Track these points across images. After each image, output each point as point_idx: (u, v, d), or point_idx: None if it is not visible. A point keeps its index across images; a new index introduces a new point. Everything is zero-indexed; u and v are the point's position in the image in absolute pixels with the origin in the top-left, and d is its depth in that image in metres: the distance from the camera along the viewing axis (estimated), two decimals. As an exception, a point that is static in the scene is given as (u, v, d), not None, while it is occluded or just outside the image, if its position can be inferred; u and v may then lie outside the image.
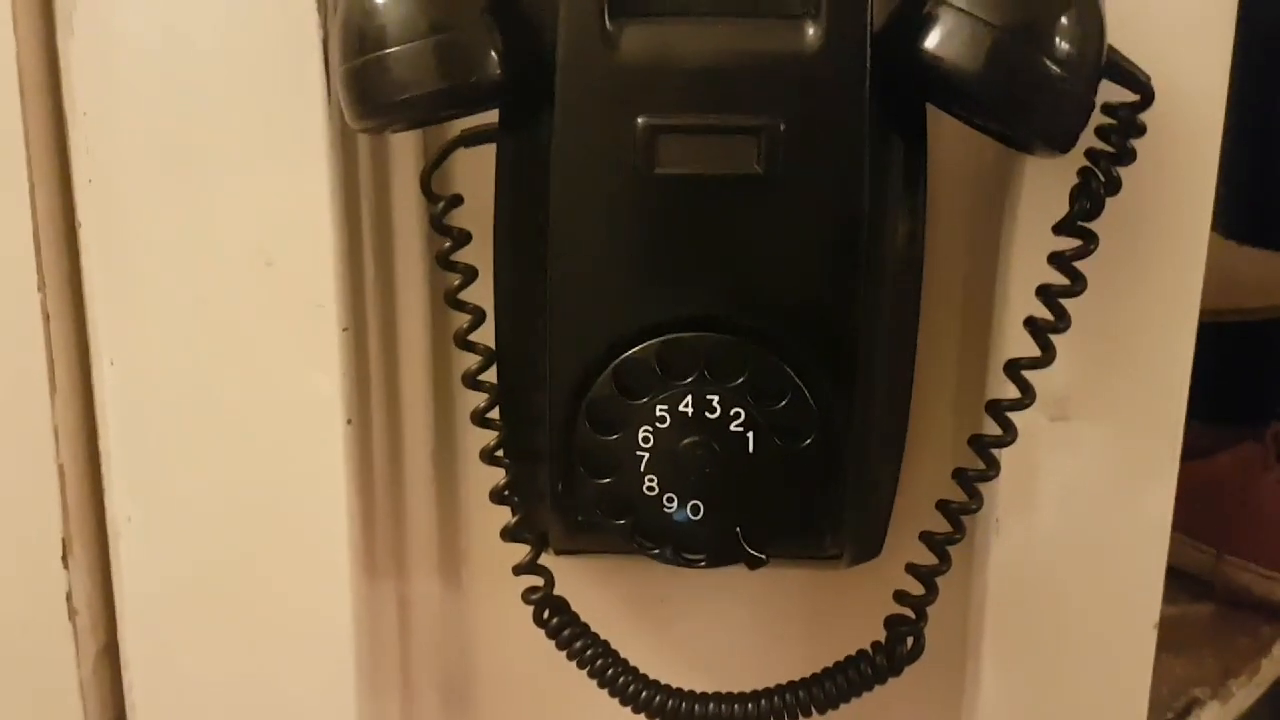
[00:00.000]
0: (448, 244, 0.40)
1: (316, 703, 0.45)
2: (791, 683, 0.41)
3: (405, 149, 0.43)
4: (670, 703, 0.41)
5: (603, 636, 0.42)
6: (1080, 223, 0.38)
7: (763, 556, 0.38)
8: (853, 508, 0.39)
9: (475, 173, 0.41)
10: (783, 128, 0.35)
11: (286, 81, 0.40)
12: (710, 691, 0.41)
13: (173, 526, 0.44)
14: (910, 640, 0.41)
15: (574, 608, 0.42)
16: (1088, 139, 0.37)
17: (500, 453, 0.41)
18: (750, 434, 0.37)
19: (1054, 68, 0.35)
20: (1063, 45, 0.35)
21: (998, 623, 0.43)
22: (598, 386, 0.37)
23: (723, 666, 0.47)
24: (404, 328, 0.45)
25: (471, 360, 0.41)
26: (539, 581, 0.42)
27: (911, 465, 0.43)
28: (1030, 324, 0.39)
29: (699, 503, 0.38)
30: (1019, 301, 0.40)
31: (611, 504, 0.38)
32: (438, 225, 0.40)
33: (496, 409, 0.41)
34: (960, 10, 0.34)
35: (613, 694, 0.41)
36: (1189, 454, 0.42)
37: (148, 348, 0.42)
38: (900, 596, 0.41)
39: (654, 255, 0.37)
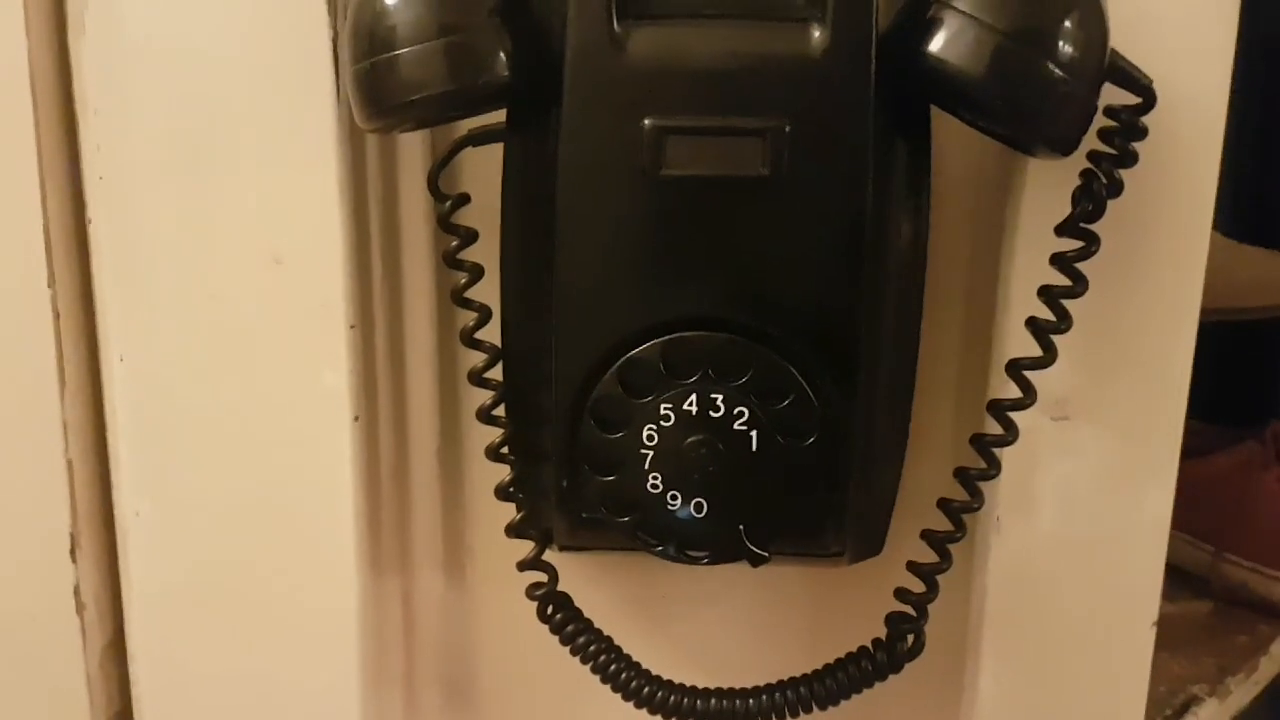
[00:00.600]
0: (455, 242, 0.41)
1: (321, 696, 0.45)
2: (793, 679, 0.41)
3: (413, 148, 0.43)
4: (672, 698, 0.41)
5: (606, 632, 0.42)
6: (1082, 224, 0.38)
7: (765, 554, 0.38)
8: (854, 506, 0.40)
9: (482, 172, 0.41)
10: (788, 130, 0.36)
11: (296, 81, 0.40)
12: (712, 687, 0.41)
13: (180, 521, 0.44)
14: (910, 638, 0.41)
15: (577, 604, 0.42)
16: (1090, 141, 0.37)
17: (505, 449, 0.41)
18: (753, 433, 0.38)
19: (1057, 71, 0.35)
20: (1066, 49, 0.35)
21: (997, 621, 0.44)
22: (603, 385, 0.38)
23: (724, 662, 0.47)
24: (411, 325, 0.45)
25: (477, 358, 0.41)
26: (543, 577, 0.42)
27: (913, 464, 0.43)
28: (1032, 324, 0.39)
29: (702, 500, 0.38)
30: (1021, 302, 0.40)
31: (615, 501, 0.38)
32: (445, 224, 0.41)
33: (502, 406, 0.41)
34: (964, 14, 0.35)
35: (615, 689, 0.41)
36: (1188, 453, 0.43)
37: (157, 344, 0.43)
38: (901, 594, 0.41)
39: (659, 255, 0.37)
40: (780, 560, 0.39)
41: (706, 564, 0.39)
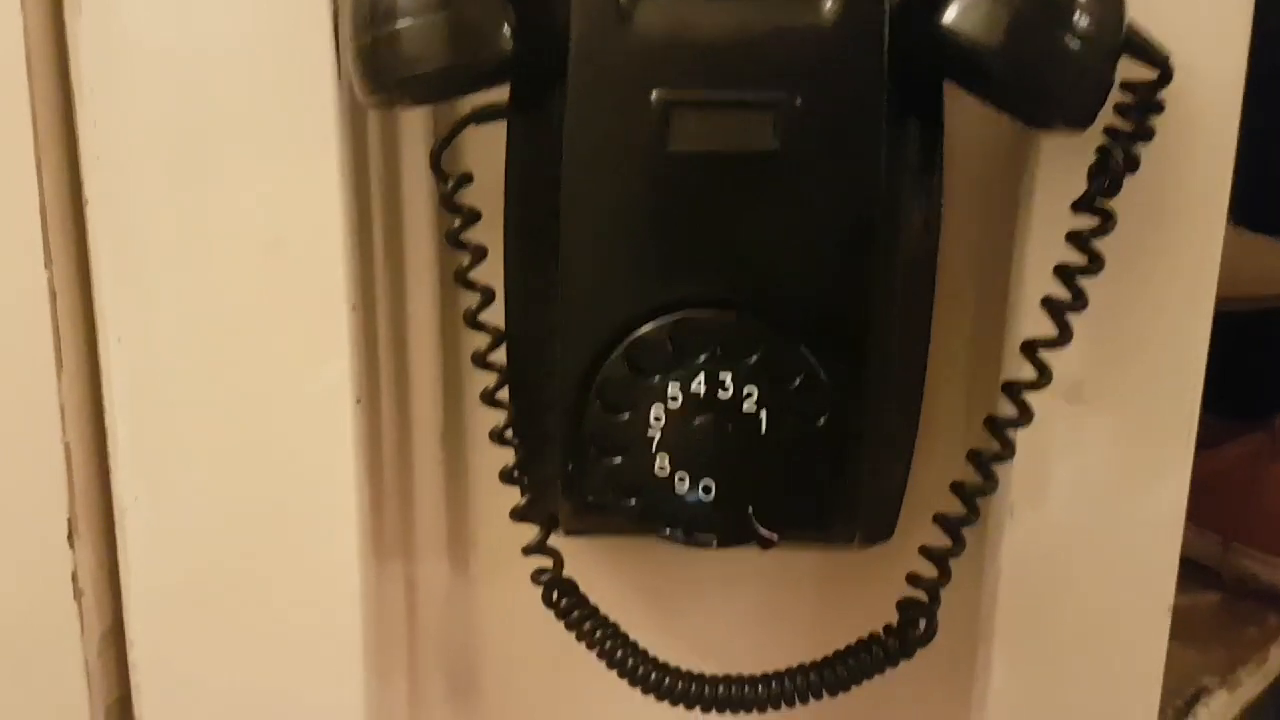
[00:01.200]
0: (457, 222, 0.40)
1: (323, 683, 0.45)
2: (802, 665, 0.41)
3: (415, 126, 0.43)
4: (680, 685, 0.41)
5: (612, 618, 0.41)
6: (1098, 201, 0.37)
7: (774, 537, 0.38)
8: (865, 489, 0.39)
9: (485, 151, 0.41)
10: (799, 103, 0.35)
11: (296, 58, 0.39)
12: (720, 674, 0.41)
13: (179, 507, 0.43)
14: (922, 623, 0.41)
15: (583, 589, 0.42)
16: (1105, 116, 0.36)
17: (509, 433, 0.41)
18: (763, 413, 0.37)
19: (1074, 43, 0.34)
20: (1082, 20, 0.34)
21: (1010, 606, 0.43)
22: (609, 365, 0.37)
23: (733, 648, 0.46)
24: (413, 307, 0.45)
25: (481, 340, 0.40)
26: (548, 563, 0.41)
27: (925, 446, 0.42)
28: (1047, 303, 0.38)
29: (710, 482, 0.37)
30: (1035, 281, 0.39)
31: (622, 484, 0.38)
32: (447, 203, 0.40)
33: (506, 389, 0.41)
34: (979, -15, 0.34)
35: (622, 675, 0.41)
36: (1197, 444, 0.42)
37: (155, 326, 0.42)
38: (913, 579, 0.41)
39: (667, 233, 0.37)
40: (789, 544, 0.39)
41: (714, 548, 0.38)
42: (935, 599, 0.40)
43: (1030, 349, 0.39)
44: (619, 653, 0.41)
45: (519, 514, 0.41)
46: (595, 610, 0.42)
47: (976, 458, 0.39)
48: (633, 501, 0.38)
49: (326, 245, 0.41)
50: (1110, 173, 0.37)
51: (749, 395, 0.37)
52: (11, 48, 0.40)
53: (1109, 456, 0.42)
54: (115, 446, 0.43)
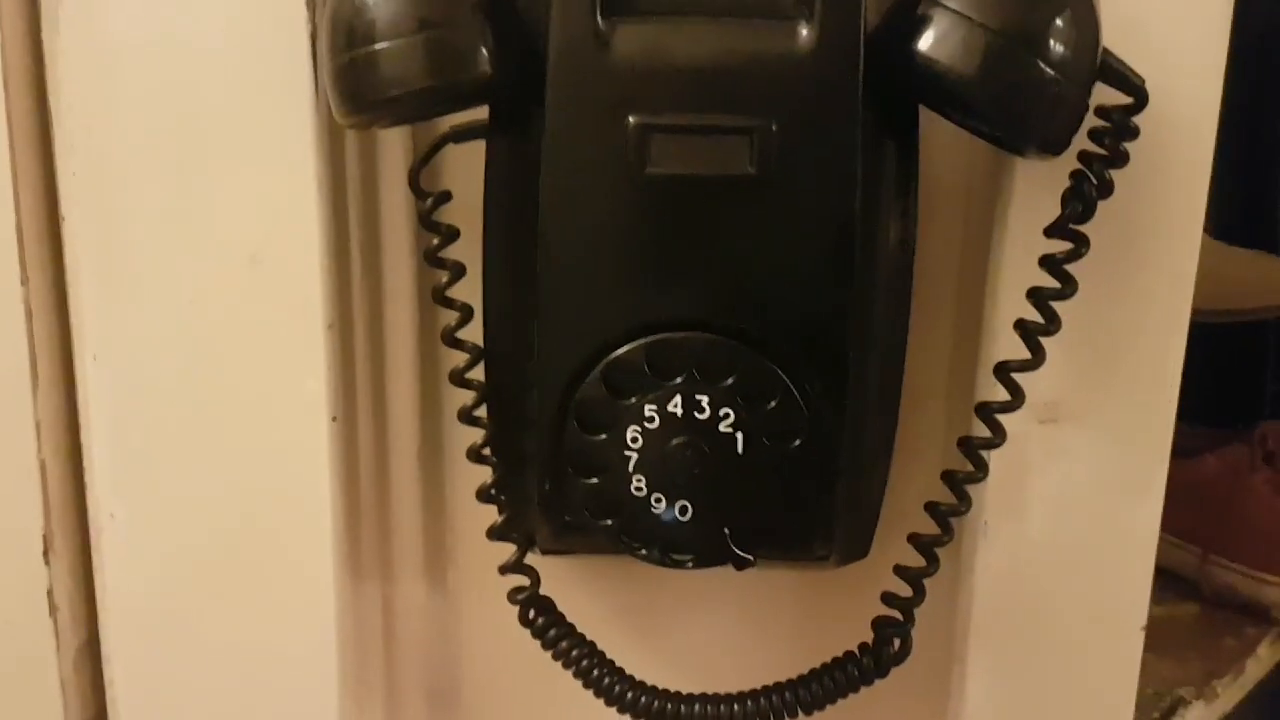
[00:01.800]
0: (436, 241, 0.40)
1: (300, 703, 0.44)
2: (778, 684, 0.41)
3: (394, 145, 0.43)
4: (656, 704, 0.41)
5: (589, 637, 0.41)
6: (1072, 225, 0.38)
7: (750, 558, 0.38)
8: (841, 509, 0.39)
9: (464, 169, 0.41)
10: (775, 128, 0.35)
11: (274, 76, 0.39)
12: (696, 692, 0.41)
13: (155, 523, 0.43)
14: (897, 642, 0.41)
15: (560, 608, 0.42)
16: (1080, 141, 0.37)
17: (487, 451, 0.41)
18: (739, 434, 0.37)
19: (1048, 70, 0.34)
20: (1057, 48, 0.35)
21: (985, 625, 0.43)
22: (586, 386, 0.37)
23: (709, 667, 0.47)
24: (391, 325, 0.45)
25: (459, 358, 0.40)
26: (525, 581, 0.41)
27: (901, 467, 0.43)
28: (1020, 326, 0.38)
29: (687, 503, 0.37)
30: (1010, 303, 0.40)
31: (599, 504, 0.38)
32: (426, 222, 0.40)
33: (484, 407, 0.41)
34: (954, 12, 0.34)
35: (598, 695, 0.41)
36: (1176, 455, 0.43)
37: (131, 343, 0.42)
38: (888, 598, 0.41)
39: (644, 255, 0.37)
40: (766, 563, 0.39)
41: (691, 568, 0.39)
42: (910, 618, 0.41)
43: (1004, 371, 0.39)
44: (595, 671, 0.41)
45: (496, 533, 0.41)
46: (572, 629, 0.42)
47: (951, 478, 0.40)
48: (610, 522, 0.38)
49: (304, 263, 0.41)
50: (1084, 198, 0.37)
51: (725, 416, 0.37)
52: (-12, 64, 0.40)
53: (1084, 476, 0.42)
54: (91, 463, 0.43)
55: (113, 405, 0.42)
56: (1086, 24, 0.35)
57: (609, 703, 0.41)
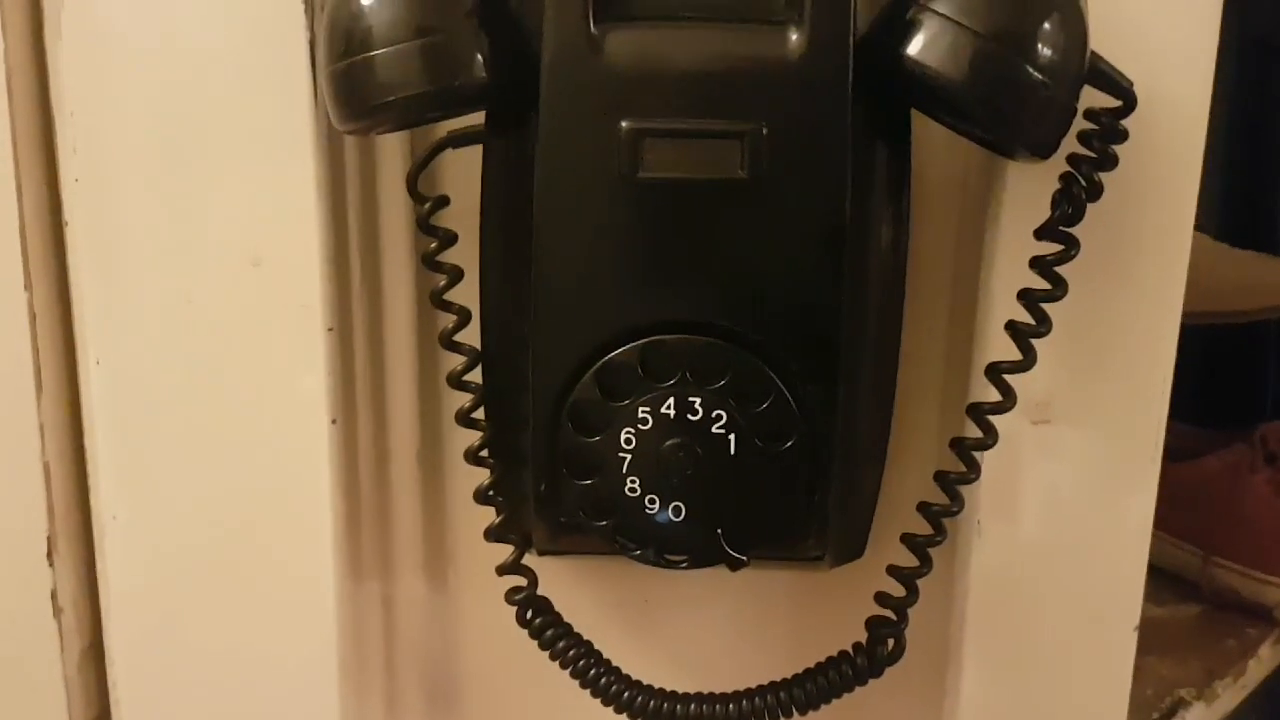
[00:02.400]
0: (434, 244, 0.40)
1: (301, 702, 0.45)
2: (773, 683, 0.41)
3: (392, 150, 0.43)
4: (652, 703, 0.41)
5: (585, 637, 0.42)
6: (1062, 228, 0.38)
7: (744, 558, 0.38)
8: (835, 509, 0.40)
9: (462, 174, 0.41)
10: (766, 133, 0.36)
11: (273, 82, 0.40)
12: (692, 692, 0.41)
13: (158, 525, 0.44)
14: (891, 642, 0.41)
15: (557, 608, 0.42)
16: (1070, 144, 0.37)
17: (485, 453, 0.41)
18: (732, 436, 0.37)
19: (1036, 74, 0.35)
20: (1045, 51, 0.35)
21: (978, 625, 0.43)
22: (580, 388, 0.38)
23: (704, 667, 0.47)
24: (390, 328, 0.45)
25: (457, 361, 0.41)
26: (522, 581, 0.42)
27: (894, 467, 0.43)
28: (1011, 328, 0.39)
29: (680, 504, 0.38)
30: (1001, 305, 0.40)
31: (594, 505, 0.38)
32: (424, 226, 0.40)
33: (481, 409, 0.41)
34: (943, 16, 0.35)
35: (595, 694, 0.41)
36: (1176, 456, 0.43)
37: (134, 346, 0.42)
38: (882, 598, 0.41)
39: (638, 258, 0.37)
40: (760, 564, 0.39)
41: (685, 568, 0.39)
42: (904, 618, 0.41)
43: (995, 372, 0.39)
44: (592, 671, 0.41)
45: (494, 533, 0.42)
46: (569, 629, 0.42)
47: (943, 479, 0.40)
48: (604, 522, 0.38)
49: (304, 267, 0.41)
50: (1073, 200, 0.37)
51: (718, 418, 0.37)
52: (-8, 71, 0.41)
53: (1076, 476, 0.42)
54: (94, 466, 0.44)
55: (116, 408, 0.43)
56: (1074, 27, 0.36)
57: (605, 702, 0.41)
